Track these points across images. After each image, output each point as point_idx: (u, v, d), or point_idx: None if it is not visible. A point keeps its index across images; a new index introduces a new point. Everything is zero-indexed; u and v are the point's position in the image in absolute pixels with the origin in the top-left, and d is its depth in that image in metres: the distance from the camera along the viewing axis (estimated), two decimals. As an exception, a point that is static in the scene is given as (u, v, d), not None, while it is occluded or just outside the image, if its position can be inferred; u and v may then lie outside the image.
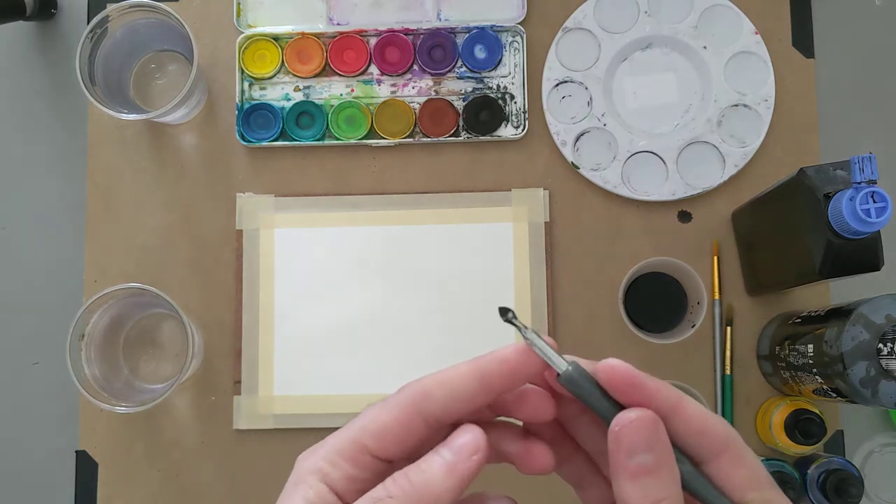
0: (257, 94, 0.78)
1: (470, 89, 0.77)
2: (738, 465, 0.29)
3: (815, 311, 0.64)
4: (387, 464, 0.30)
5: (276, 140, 0.77)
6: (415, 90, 0.78)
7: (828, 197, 0.57)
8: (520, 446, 0.31)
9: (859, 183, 0.54)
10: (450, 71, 0.77)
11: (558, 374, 0.29)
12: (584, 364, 0.30)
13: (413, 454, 0.30)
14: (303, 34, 0.77)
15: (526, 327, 0.30)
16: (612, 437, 0.28)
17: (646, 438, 0.28)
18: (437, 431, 0.30)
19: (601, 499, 0.32)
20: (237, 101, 0.77)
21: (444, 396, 0.29)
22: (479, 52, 0.77)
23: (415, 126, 0.77)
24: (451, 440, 0.29)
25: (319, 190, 0.77)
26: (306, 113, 0.77)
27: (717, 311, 0.74)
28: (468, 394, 0.29)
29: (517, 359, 0.29)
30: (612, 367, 0.29)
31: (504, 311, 0.31)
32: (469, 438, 0.29)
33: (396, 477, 0.29)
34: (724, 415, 0.72)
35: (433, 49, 0.77)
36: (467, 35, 0.77)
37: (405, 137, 0.76)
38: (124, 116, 0.69)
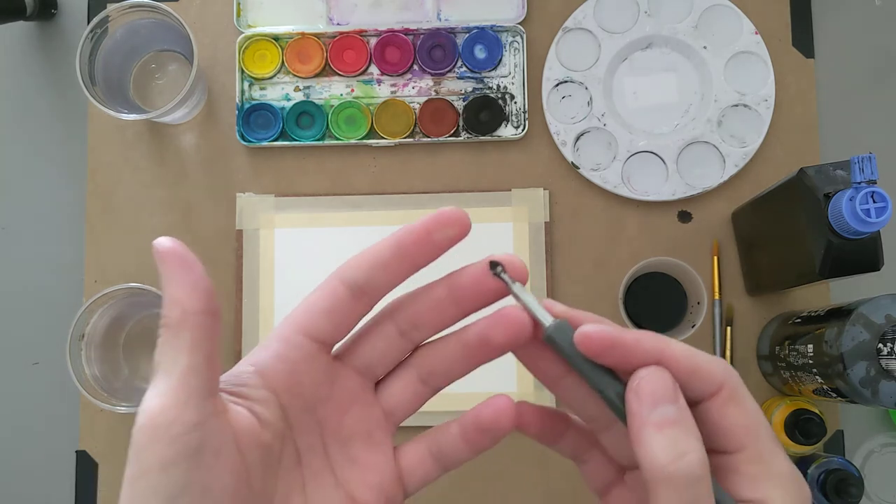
0: (257, 94, 0.78)
1: (470, 89, 0.77)
2: (732, 407, 0.29)
3: (815, 311, 0.64)
4: (320, 345, 0.30)
5: (276, 140, 0.77)
6: (415, 90, 0.78)
7: (828, 197, 0.57)
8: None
9: (859, 183, 0.54)
10: (450, 71, 0.77)
11: (544, 333, 0.29)
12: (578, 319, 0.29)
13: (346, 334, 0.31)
14: (303, 34, 0.77)
15: (514, 281, 0.30)
16: (632, 393, 0.28)
17: (666, 389, 0.27)
18: (367, 306, 0.30)
19: (601, 471, 0.32)
20: (237, 101, 0.77)
21: (362, 262, 0.30)
22: (479, 52, 0.77)
23: (415, 126, 0.77)
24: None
25: (319, 190, 0.77)
26: (306, 113, 0.77)
27: (717, 311, 0.74)
28: (384, 259, 0.30)
29: (430, 225, 0.30)
30: (587, 337, 0.28)
31: (493, 265, 0.31)
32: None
33: None
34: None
35: (433, 49, 0.77)
36: (467, 35, 0.77)
37: (405, 137, 0.76)
38: (124, 116, 0.69)
